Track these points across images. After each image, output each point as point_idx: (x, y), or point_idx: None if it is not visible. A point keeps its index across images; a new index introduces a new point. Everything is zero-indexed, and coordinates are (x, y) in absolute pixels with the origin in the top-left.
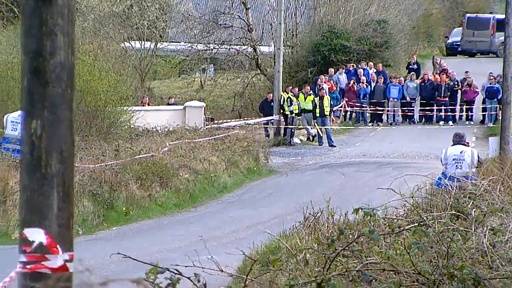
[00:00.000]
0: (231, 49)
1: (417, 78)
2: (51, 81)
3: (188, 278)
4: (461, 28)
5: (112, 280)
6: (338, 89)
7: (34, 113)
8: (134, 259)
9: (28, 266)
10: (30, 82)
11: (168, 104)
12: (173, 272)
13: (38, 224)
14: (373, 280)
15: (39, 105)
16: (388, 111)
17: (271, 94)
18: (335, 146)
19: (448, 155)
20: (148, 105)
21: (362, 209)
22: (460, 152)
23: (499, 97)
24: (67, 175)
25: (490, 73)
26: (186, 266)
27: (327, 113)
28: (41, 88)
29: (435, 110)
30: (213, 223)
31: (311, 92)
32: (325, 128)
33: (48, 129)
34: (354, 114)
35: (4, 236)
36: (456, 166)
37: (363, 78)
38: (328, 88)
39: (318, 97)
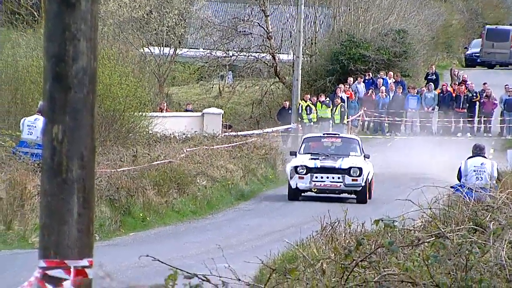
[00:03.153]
0: (250, 57)
1: (435, 89)
2: (73, 86)
3: (215, 285)
4: (481, 39)
5: (132, 287)
6: (357, 98)
7: (55, 118)
8: (162, 262)
9: (47, 272)
10: (52, 87)
11: (186, 111)
12: (201, 279)
13: (58, 230)
14: None
15: (61, 110)
16: (406, 121)
17: (287, 102)
18: None
19: (468, 167)
20: (166, 111)
21: (382, 220)
22: (481, 164)
23: None
24: (88, 180)
25: (506, 85)
26: (204, 275)
27: (337, 121)
28: (63, 93)
29: (453, 121)
30: (230, 231)
31: (328, 100)
32: None
33: (69, 135)
34: (372, 124)
35: (22, 240)
36: (476, 177)
37: (382, 88)
38: (347, 97)
39: (333, 106)
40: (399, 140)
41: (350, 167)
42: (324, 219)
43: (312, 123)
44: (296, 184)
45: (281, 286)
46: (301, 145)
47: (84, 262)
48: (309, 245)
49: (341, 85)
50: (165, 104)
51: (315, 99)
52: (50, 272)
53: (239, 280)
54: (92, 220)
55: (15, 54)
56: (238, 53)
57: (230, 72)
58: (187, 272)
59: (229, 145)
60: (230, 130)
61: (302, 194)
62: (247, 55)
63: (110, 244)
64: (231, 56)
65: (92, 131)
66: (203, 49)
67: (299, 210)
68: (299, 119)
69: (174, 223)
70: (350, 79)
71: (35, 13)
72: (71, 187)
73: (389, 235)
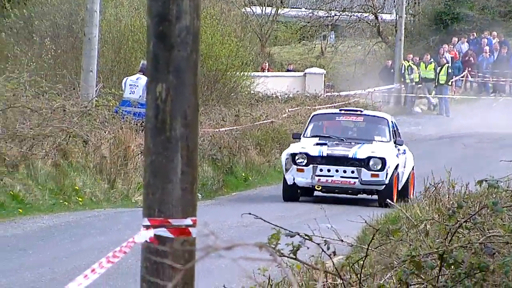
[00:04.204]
0: (352, 16)
1: None
2: (176, 45)
3: (318, 244)
4: None
5: (237, 245)
6: (460, 58)
7: (159, 77)
8: (264, 221)
9: (151, 230)
10: (156, 46)
11: (288, 71)
12: (303, 237)
13: (162, 188)
14: (496, 253)
15: (164, 69)
16: (511, 81)
17: (390, 61)
18: (448, 117)
19: None
20: (268, 71)
21: (486, 180)
22: None
23: None
24: (191, 139)
25: None
26: (306, 234)
27: (442, 82)
28: (166, 52)
29: None
30: None
31: (432, 60)
32: (443, 98)
33: (172, 93)
34: (476, 85)
35: (125, 199)
36: None
37: (486, 48)
38: (452, 57)
39: (438, 66)
40: (504, 100)
41: (369, 157)
42: (428, 180)
43: (414, 83)
44: (294, 179)
45: (384, 247)
46: (308, 125)
47: (188, 221)
48: (412, 206)
49: (445, 45)
50: (267, 64)
51: (418, 59)
52: (154, 231)
53: (342, 240)
54: (196, 179)
55: (118, 14)
56: (341, 12)
57: (333, 32)
58: (289, 231)
59: (331, 105)
60: (332, 90)
61: (314, 194)
62: (349, 14)
63: (212, 203)
64: (333, 16)
65: (195, 90)
66: (305, 8)
67: None
68: (402, 79)
69: (276, 183)
70: (454, 39)
71: None
72: (175, 146)
73: (494, 196)
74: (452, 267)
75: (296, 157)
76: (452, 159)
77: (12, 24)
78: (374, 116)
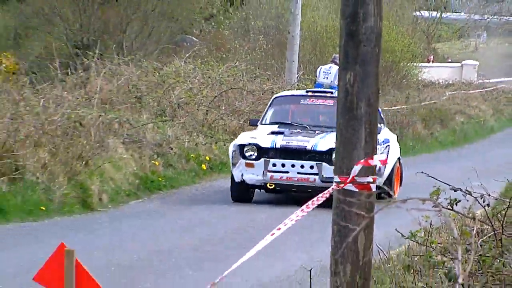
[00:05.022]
0: (501, 19)
1: None
2: (363, 41)
3: (475, 198)
4: None
5: (410, 199)
6: None
7: (348, 67)
8: (437, 180)
9: (340, 185)
10: (346, 42)
11: (448, 62)
12: (464, 192)
13: (350, 153)
14: None
15: (353, 60)
16: None
17: None
18: None
19: None
20: (433, 62)
21: None
22: None
23: None
24: (373, 116)
25: None
26: (466, 189)
27: None
28: (355, 47)
29: None
30: (481, 157)
31: None
32: None
33: (359, 80)
34: None
35: None
36: None
37: None
38: None
39: None
40: None
41: (331, 149)
42: None
43: None
44: (242, 176)
45: None
46: (267, 109)
47: (369, 178)
48: None
49: None
50: (432, 57)
51: None
52: (343, 186)
53: (489, 195)
54: (375, 147)
55: (315, 16)
56: (492, 16)
57: (485, 31)
58: (452, 186)
59: (482, 90)
60: (484, 78)
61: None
62: (499, 18)
63: None
64: (486, 19)
65: (377, 78)
66: (464, 13)
67: None
68: None
69: (437, 151)
70: None
71: None
72: (360, 121)
73: None
74: None
75: (245, 149)
76: None
77: (233, 24)
78: None
